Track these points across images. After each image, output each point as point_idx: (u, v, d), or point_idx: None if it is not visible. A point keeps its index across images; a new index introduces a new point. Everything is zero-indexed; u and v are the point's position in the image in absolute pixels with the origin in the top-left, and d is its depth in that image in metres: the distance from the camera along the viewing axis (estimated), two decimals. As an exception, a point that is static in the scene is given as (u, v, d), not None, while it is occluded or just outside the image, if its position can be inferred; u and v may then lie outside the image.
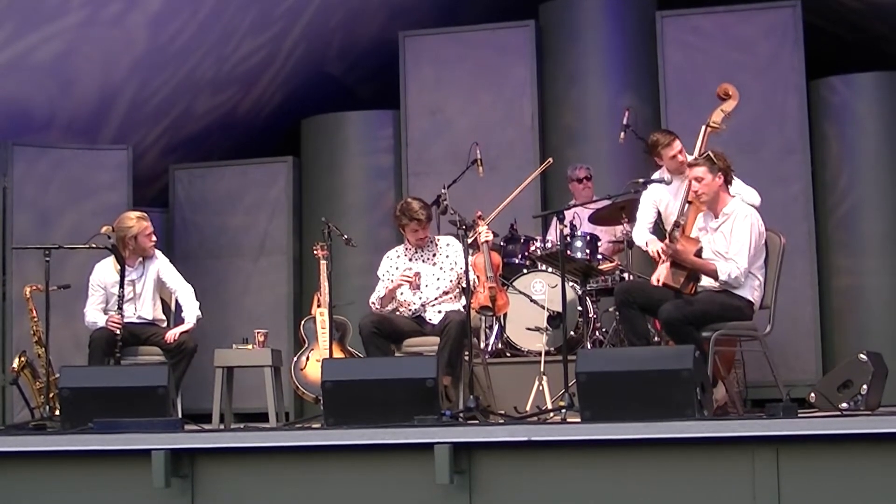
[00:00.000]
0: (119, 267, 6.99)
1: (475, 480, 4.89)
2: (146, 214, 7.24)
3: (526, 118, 8.99)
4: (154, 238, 7.16)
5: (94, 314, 7.10)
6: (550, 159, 8.03)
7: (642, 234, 6.79)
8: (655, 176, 6.85)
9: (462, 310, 6.65)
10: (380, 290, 6.89)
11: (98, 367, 6.59)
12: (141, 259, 7.14)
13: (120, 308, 6.90)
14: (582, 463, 4.82)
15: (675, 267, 6.11)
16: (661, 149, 6.77)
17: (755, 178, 6.87)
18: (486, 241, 6.92)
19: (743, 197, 6.41)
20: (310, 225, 9.21)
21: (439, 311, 6.81)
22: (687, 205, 6.35)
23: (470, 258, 6.58)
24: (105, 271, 7.15)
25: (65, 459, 5.22)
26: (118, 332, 6.85)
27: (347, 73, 10.17)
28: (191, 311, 7.14)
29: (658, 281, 6.12)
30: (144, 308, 7.15)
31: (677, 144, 6.74)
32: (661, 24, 8.71)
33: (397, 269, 6.94)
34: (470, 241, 6.66)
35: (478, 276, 6.82)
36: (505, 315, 7.40)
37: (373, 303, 6.88)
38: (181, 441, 5.13)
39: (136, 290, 7.10)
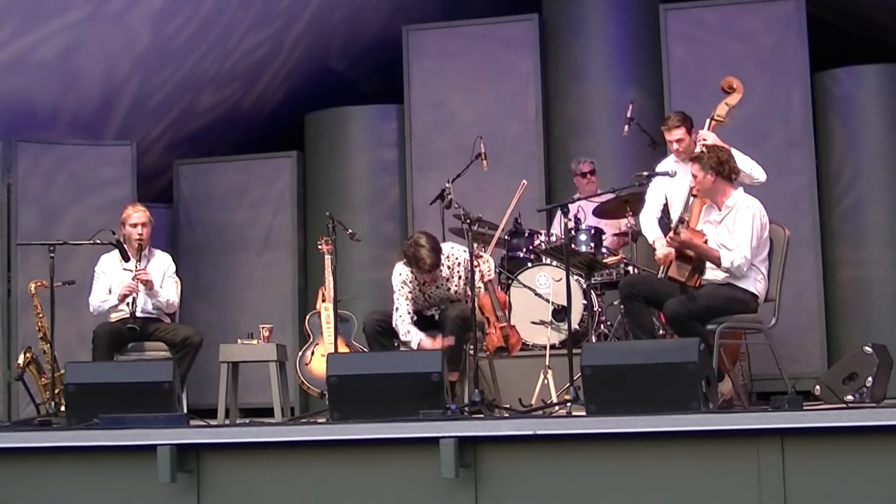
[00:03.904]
0: (124, 262, 7.01)
1: (480, 474, 4.90)
2: (139, 206, 7.30)
3: (530, 112, 8.98)
4: (141, 230, 7.13)
5: (101, 296, 7.10)
6: (525, 182, 7.81)
7: (650, 227, 6.77)
8: (660, 168, 6.85)
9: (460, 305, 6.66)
10: (402, 315, 6.65)
11: (103, 363, 6.60)
12: (146, 253, 7.15)
13: (134, 318, 6.93)
14: (587, 456, 4.82)
15: (680, 260, 6.12)
16: (663, 128, 6.83)
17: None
18: (490, 280, 6.78)
19: (749, 173, 6.42)
20: (314, 220, 9.20)
21: (439, 308, 6.81)
22: (692, 198, 6.36)
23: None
24: (110, 262, 7.17)
25: (70, 455, 5.23)
26: (135, 295, 6.90)
27: (350, 67, 10.16)
28: (168, 291, 7.16)
29: (664, 257, 6.14)
30: (148, 303, 7.16)
31: (677, 133, 6.74)
32: (665, 17, 8.69)
33: (410, 291, 6.75)
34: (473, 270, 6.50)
35: (487, 318, 6.69)
36: (510, 308, 7.40)
37: (397, 326, 6.65)
38: (187, 436, 5.14)
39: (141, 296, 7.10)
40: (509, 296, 7.43)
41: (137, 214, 7.18)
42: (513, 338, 6.76)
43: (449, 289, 6.81)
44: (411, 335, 6.61)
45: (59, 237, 7.41)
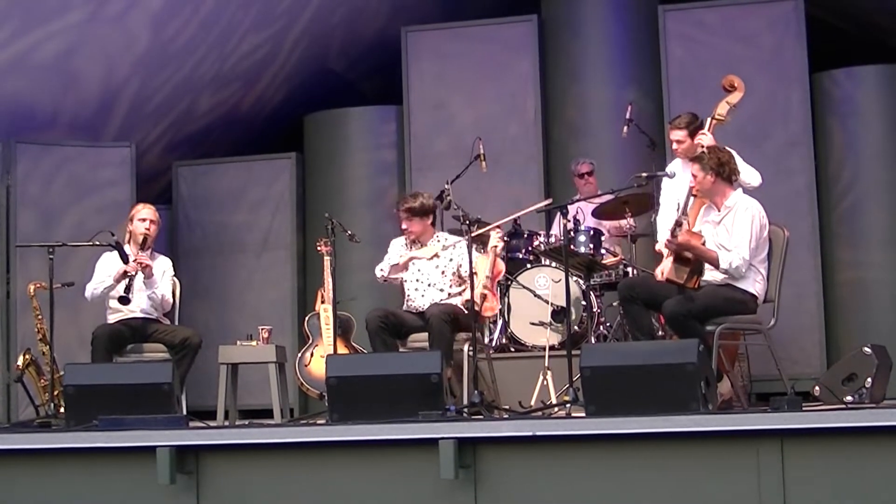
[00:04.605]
0: (122, 261, 7.01)
1: (480, 475, 4.90)
2: (149, 205, 7.31)
3: (529, 113, 8.98)
4: (149, 225, 7.14)
5: (99, 280, 7.09)
6: (550, 199, 7.78)
7: (662, 227, 6.76)
8: (669, 168, 6.86)
9: (447, 301, 6.71)
10: (389, 261, 7.00)
11: (102, 365, 6.59)
12: (147, 254, 7.15)
13: (128, 290, 6.92)
14: (586, 457, 4.82)
15: (679, 262, 6.12)
16: (669, 126, 6.85)
17: (759, 171, 6.87)
18: (494, 247, 6.85)
19: (742, 177, 6.42)
20: (313, 221, 9.21)
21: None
22: (691, 199, 6.35)
23: (476, 255, 6.60)
24: (111, 259, 7.17)
25: (70, 457, 5.23)
26: (132, 274, 6.90)
27: (350, 69, 10.16)
28: (165, 287, 7.18)
29: (661, 274, 6.12)
30: (146, 303, 7.15)
31: (675, 134, 6.74)
32: (664, 18, 8.70)
33: (401, 257, 6.99)
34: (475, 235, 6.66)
35: (475, 274, 6.78)
36: (509, 310, 7.41)
37: (381, 269, 7.01)
38: (186, 438, 5.13)
39: (138, 285, 7.09)
40: (508, 297, 7.45)
41: (147, 210, 7.23)
42: (488, 301, 6.76)
43: (437, 266, 6.92)
44: (395, 258, 6.96)
45: (59, 239, 7.42)
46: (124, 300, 6.90)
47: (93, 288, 7.11)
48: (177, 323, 7.33)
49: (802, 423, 4.63)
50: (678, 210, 6.45)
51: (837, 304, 8.39)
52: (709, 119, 6.68)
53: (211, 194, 9.49)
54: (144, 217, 7.18)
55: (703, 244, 6.09)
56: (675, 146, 6.79)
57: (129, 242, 7.13)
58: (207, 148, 9.83)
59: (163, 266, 7.29)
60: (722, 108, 6.68)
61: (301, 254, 9.34)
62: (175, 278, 7.41)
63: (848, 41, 10.04)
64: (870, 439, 4.55)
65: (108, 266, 7.16)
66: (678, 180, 6.72)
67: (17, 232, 8.39)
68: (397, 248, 7.10)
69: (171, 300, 7.28)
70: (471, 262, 6.41)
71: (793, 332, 8.08)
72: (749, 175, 6.54)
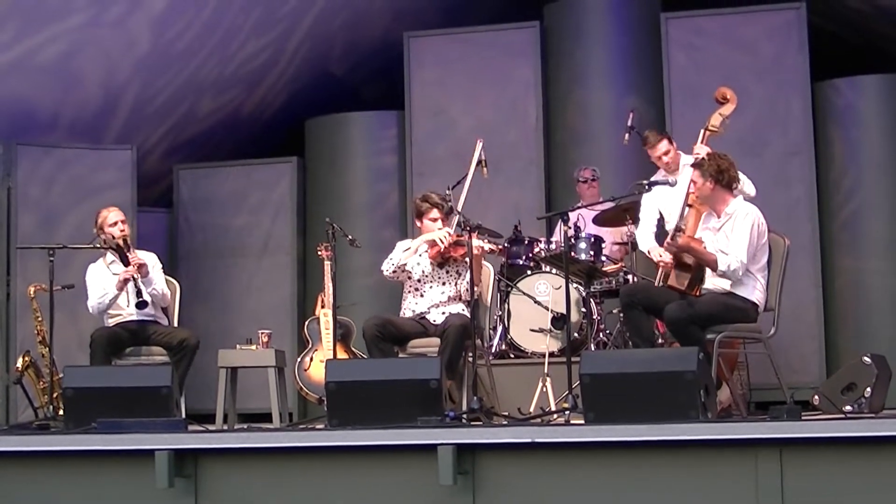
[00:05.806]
0: (123, 263, 7.00)
1: (479, 482, 4.89)
2: (111, 207, 7.25)
3: (530, 119, 8.98)
4: (122, 226, 7.09)
5: (98, 293, 7.06)
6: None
7: (647, 240, 6.80)
8: (659, 178, 6.86)
9: (463, 312, 6.67)
10: (393, 259, 6.86)
11: (102, 367, 6.59)
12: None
13: (140, 294, 6.90)
14: (585, 465, 4.82)
15: (679, 269, 6.12)
16: (646, 147, 6.86)
17: (759, 180, 6.89)
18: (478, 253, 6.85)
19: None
20: (313, 225, 9.21)
21: (443, 313, 6.81)
22: (687, 208, 6.36)
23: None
24: (98, 269, 7.17)
25: (68, 459, 5.22)
26: (136, 276, 6.88)
27: (351, 73, 10.17)
28: (159, 282, 7.15)
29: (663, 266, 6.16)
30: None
31: (662, 146, 6.79)
32: (666, 25, 8.70)
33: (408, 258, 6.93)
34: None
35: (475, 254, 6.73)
36: (509, 316, 7.41)
37: (390, 260, 6.87)
38: (185, 441, 5.13)
39: (131, 287, 7.07)
40: (508, 303, 7.45)
41: (113, 214, 7.13)
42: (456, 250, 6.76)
43: (448, 271, 6.87)
44: (403, 249, 6.81)
45: (59, 241, 7.42)
46: (143, 304, 6.90)
47: (97, 302, 7.09)
48: (175, 325, 7.33)
49: (801, 432, 4.63)
50: (658, 220, 6.49)
51: (837, 312, 8.39)
52: (702, 130, 6.69)
53: (212, 198, 9.49)
54: (114, 221, 7.10)
55: (704, 248, 6.10)
56: (664, 160, 6.82)
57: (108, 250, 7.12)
58: (208, 151, 9.84)
59: (150, 261, 7.25)
60: (715, 120, 6.69)
61: (301, 258, 9.34)
62: (174, 279, 7.40)
63: (850, 50, 10.04)
64: (869, 449, 4.55)
65: (99, 278, 7.15)
66: (660, 192, 6.74)
67: (17, 234, 8.40)
68: (403, 252, 7.04)
69: (168, 292, 7.25)
70: (471, 270, 6.40)
71: (792, 340, 8.07)
72: (744, 185, 6.55)
